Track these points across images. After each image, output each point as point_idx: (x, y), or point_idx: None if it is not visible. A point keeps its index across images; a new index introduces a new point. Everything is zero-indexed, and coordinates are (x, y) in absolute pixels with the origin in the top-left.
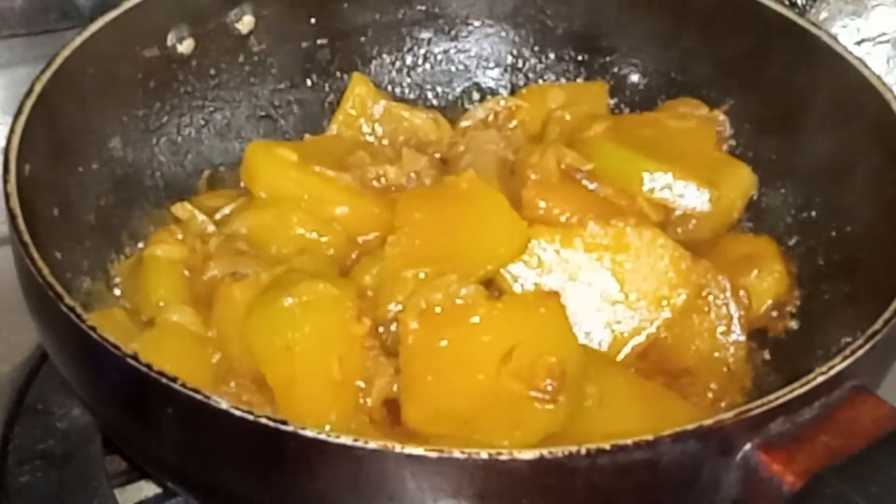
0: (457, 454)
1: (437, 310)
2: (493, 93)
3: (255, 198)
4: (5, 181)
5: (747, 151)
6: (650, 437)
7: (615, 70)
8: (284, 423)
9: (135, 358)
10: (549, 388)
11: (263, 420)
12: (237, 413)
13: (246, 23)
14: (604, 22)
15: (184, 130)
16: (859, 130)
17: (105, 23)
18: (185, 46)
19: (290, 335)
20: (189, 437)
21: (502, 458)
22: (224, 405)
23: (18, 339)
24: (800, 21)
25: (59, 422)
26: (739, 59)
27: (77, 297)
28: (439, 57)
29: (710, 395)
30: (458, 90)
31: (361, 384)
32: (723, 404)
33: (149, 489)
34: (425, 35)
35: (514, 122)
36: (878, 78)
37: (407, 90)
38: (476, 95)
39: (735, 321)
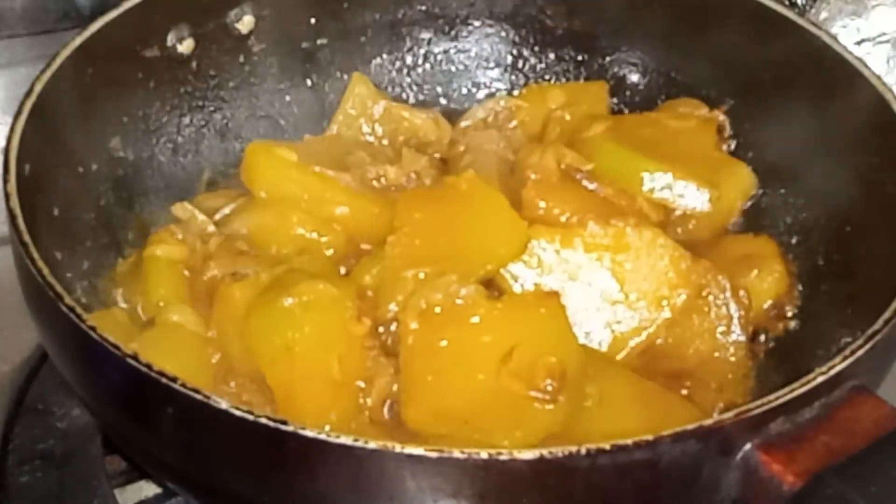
0: (457, 454)
1: (437, 310)
2: (493, 93)
3: (255, 198)
4: (5, 181)
5: (747, 151)
6: (650, 437)
7: (615, 70)
8: (284, 423)
9: (135, 358)
10: (549, 388)
11: (263, 420)
12: (237, 413)
13: (246, 23)
14: (604, 22)
15: (184, 130)
16: (859, 130)
17: (105, 23)
18: (185, 46)
19: (290, 335)
20: (189, 437)
21: (502, 458)
22: (224, 405)
23: (18, 339)
24: (800, 21)
25: (59, 422)
26: (739, 59)
27: (77, 297)
28: (439, 57)
29: (710, 395)
30: (458, 90)
31: (361, 384)
32: (723, 404)
33: (149, 489)
34: (425, 35)
35: (514, 122)
36: (878, 78)
37: (407, 90)
38: (476, 95)
39: (735, 321)
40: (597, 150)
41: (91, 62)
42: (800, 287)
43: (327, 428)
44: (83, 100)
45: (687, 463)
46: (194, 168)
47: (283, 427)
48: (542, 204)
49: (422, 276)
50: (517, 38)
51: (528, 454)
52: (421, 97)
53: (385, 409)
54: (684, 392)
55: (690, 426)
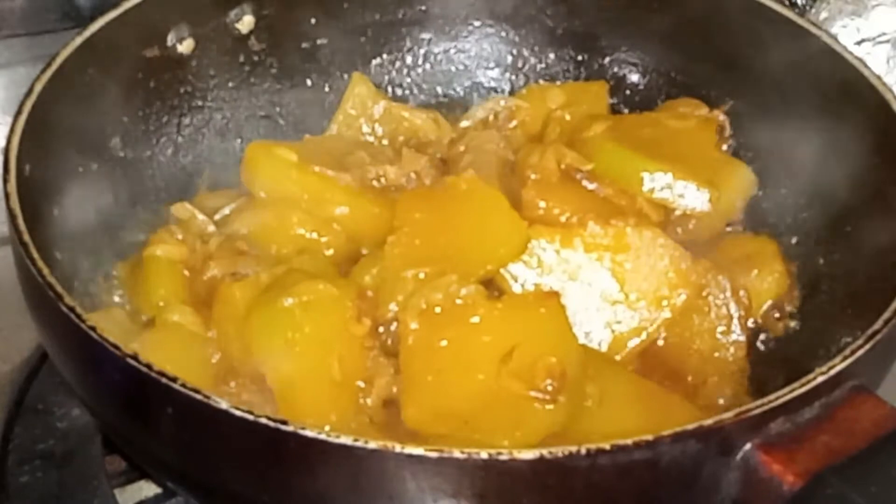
0: (457, 454)
1: (437, 310)
2: (493, 93)
3: (255, 198)
4: (5, 181)
5: (747, 151)
6: (650, 437)
7: (615, 70)
8: (284, 423)
9: (135, 358)
10: (549, 388)
11: (263, 420)
12: (237, 413)
13: (246, 23)
14: (604, 22)
15: (184, 130)
16: (859, 130)
17: (105, 23)
18: (185, 46)
19: (290, 335)
20: (189, 437)
21: (502, 458)
22: (224, 405)
23: (18, 339)
24: (800, 21)
25: (59, 422)
26: (739, 60)
27: (77, 297)
28: (439, 57)
29: (709, 395)
30: (458, 90)
31: (361, 384)
32: (722, 404)
33: (149, 489)
34: (425, 35)
35: (514, 122)
36: (878, 78)
37: (407, 90)
38: (476, 95)
39: (735, 321)
40: (597, 150)
41: (91, 62)
42: (800, 287)
43: (327, 428)
44: (83, 100)
45: (687, 463)
46: (194, 168)
47: (283, 427)
48: (542, 204)
49: (422, 276)
50: (517, 38)
51: (528, 454)
52: (421, 97)
53: (385, 410)
54: (684, 392)
55: (690, 426)
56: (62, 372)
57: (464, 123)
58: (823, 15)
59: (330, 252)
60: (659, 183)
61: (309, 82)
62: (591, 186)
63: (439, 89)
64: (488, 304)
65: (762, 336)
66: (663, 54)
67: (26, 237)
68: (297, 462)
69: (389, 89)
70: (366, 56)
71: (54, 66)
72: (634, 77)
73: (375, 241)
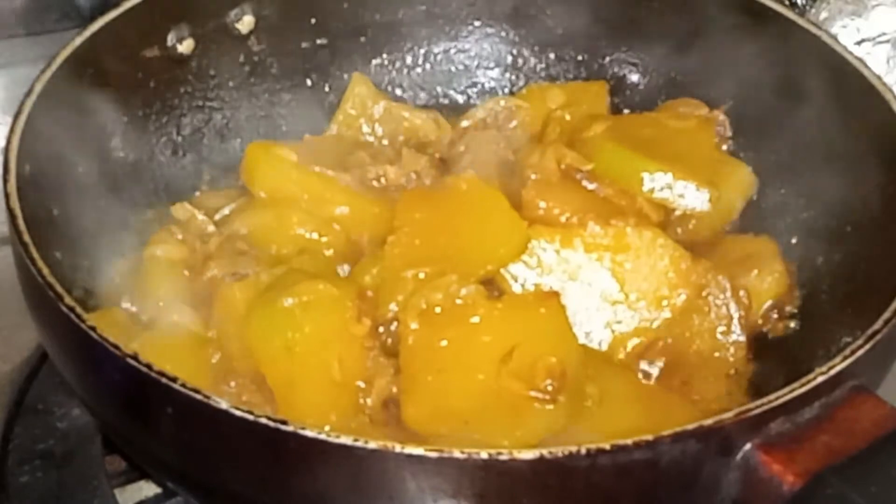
0: (457, 454)
1: (437, 310)
2: (493, 93)
3: (255, 198)
4: (5, 181)
5: (747, 151)
6: (650, 437)
7: (615, 70)
8: (284, 423)
9: (135, 358)
10: (549, 388)
11: (263, 420)
12: (237, 413)
13: (246, 23)
14: (604, 22)
15: (184, 130)
16: (859, 130)
17: (105, 23)
18: (185, 46)
19: (290, 335)
20: (189, 437)
21: (502, 458)
22: (224, 405)
23: (18, 339)
24: (800, 21)
25: (59, 422)
26: (739, 59)
27: (77, 297)
28: (439, 57)
29: (710, 394)
30: (458, 90)
31: (361, 384)
32: (723, 404)
33: (149, 489)
34: (425, 35)
35: (514, 122)
36: (878, 78)
37: (407, 90)
38: (476, 95)
39: (735, 321)
40: (597, 150)
41: (91, 62)
42: (800, 287)
43: (327, 428)
44: (83, 99)
45: (687, 463)
46: (194, 168)
47: (283, 427)
48: (542, 204)
49: (422, 276)
50: (517, 38)
51: (528, 454)
52: (421, 97)
53: (385, 410)
54: (684, 392)
55: (690, 426)
56: (62, 372)
57: (464, 123)
58: (823, 15)
59: (330, 252)
60: (659, 183)
61: (309, 82)
62: (591, 186)
63: (439, 89)
64: (488, 304)
65: (762, 336)
66: (663, 54)
67: (26, 237)
68: (297, 462)
69: (389, 89)
70: (366, 56)
71: (54, 66)
72: (634, 77)
73: (375, 241)
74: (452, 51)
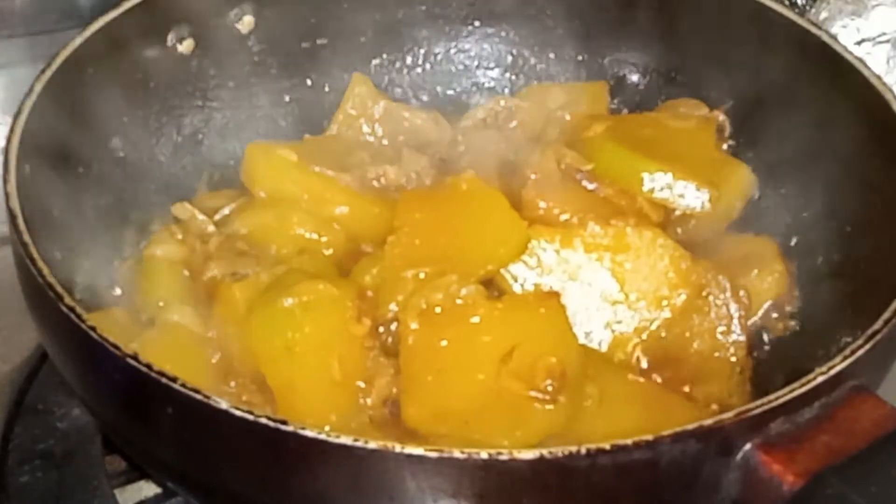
0: (457, 454)
1: (437, 310)
2: (493, 93)
3: (255, 198)
4: (5, 181)
5: (747, 151)
6: (650, 437)
7: (615, 70)
8: (284, 423)
9: (135, 358)
10: (549, 388)
11: (263, 420)
12: (237, 413)
13: (246, 23)
14: (604, 22)
15: (184, 130)
16: (859, 130)
17: (105, 23)
18: (185, 46)
19: (290, 335)
20: (189, 437)
21: (502, 458)
22: (224, 405)
23: (18, 339)
24: (800, 21)
25: (59, 422)
26: (739, 59)
27: (77, 297)
28: (439, 57)
29: (710, 394)
30: (458, 90)
31: (361, 384)
32: (722, 404)
33: (149, 489)
34: (425, 35)
35: (514, 122)
36: (878, 78)
37: (407, 90)
38: (476, 95)
39: (735, 321)
40: (597, 150)
41: (91, 62)
42: (800, 287)
43: (327, 428)
44: (83, 100)
45: (687, 463)
46: (194, 168)
47: (283, 427)
48: (542, 204)
49: (422, 276)
50: (517, 38)
51: (528, 454)
52: (421, 97)
53: (385, 409)
54: (684, 392)
55: (690, 426)
56: (62, 372)
57: (464, 123)
58: (823, 15)
59: (330, 252)
60: (659, 183)
61: (309, 82)
62: (591, 186)
63: (439, 89)
64: (488, 304)
65: (762, 336)
66: (663, 54)
67: (26, 237)
68: (297, 462)
69: (389, 89)
70: (366, 56)
71: (54, 66)
72: (634, 77)
73: (375, 241)
74: (452, 51)
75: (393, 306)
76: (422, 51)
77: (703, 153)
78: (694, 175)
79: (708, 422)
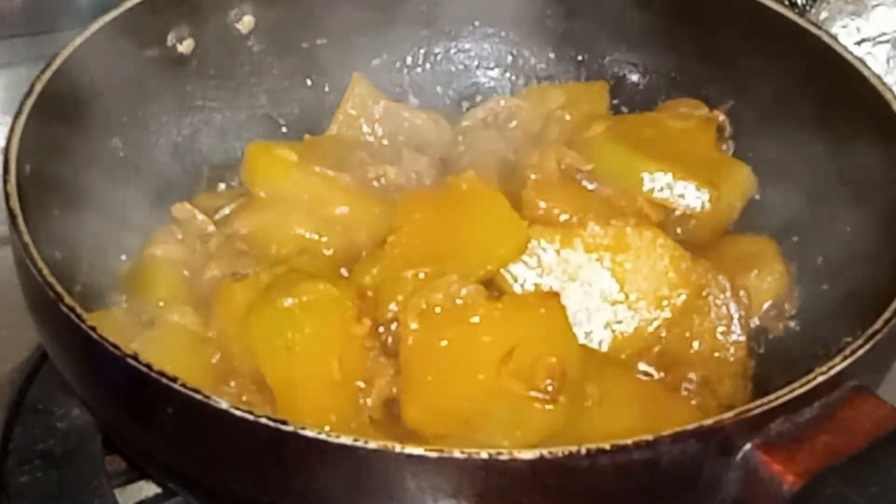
0: (457, 454)
1: (437, 310)
2: (493, 93)
3: (255, 198)
4: (5, 181)
5: (747, 151)
6: (650, 437)
7: (615, 70)
8: (284, 423)
9: (135, 358)
10: (549, 388)
11: (263, 420)
12: (237, 413)
13: (246, 23)
14: (604, 22)
15: (184, 130)
16: (859, 130)
17: (105, 23)
18: (185, 46)
19: (290, 335)
20: (189, 437)
21: (502, 458)
22: (224, 405)
23: (18, 339)
24: (800, 21)
25: (59, 422)
26: (739, 59)
27: (77, 297)
28: (439, 57)
29: (710, 394)
30: (458, 90)
31: (361, 384)
32: (722, 404)
33: (149, 489)
34: (425, 35)
35: (514, 122)
36: (878, 78)
37: (407, 90)
38: (476, 95)
39: (735, 321)
40: (597, 150)
41: (91, 62)
42: (800, 287)
43: (327, 428)
44: (83, 100)
45: (687, 463)
46: (194, 168)
47: (283, 427)
48: (542, 204)
49: (422, 276)
50: (517, 38)
51: (528, 454)
52: (421, 97)
53: (385, 410)
54: (684, 392)
55: (690, 426)
56: (62, 372)
57: (464, 123)
58: (823, 15)
59: (330, 252)
60: (659, 183)
61: (309, 82)
62: (591, 186)
63: (439, 89)
64: (488, 304)
65: (762, 336)
66: (663, 54)
67: (26, 237)
68: (297, 462)
69: (389, 89)
70: (366, 56)
71: (54, 66)
72: (634, 77)
73: (375, 241)
74: (452, 51)
75: (393, 306)
76: (422, 51)
77: (704, 153)
78: (694, 175)
79: (708, 422)
